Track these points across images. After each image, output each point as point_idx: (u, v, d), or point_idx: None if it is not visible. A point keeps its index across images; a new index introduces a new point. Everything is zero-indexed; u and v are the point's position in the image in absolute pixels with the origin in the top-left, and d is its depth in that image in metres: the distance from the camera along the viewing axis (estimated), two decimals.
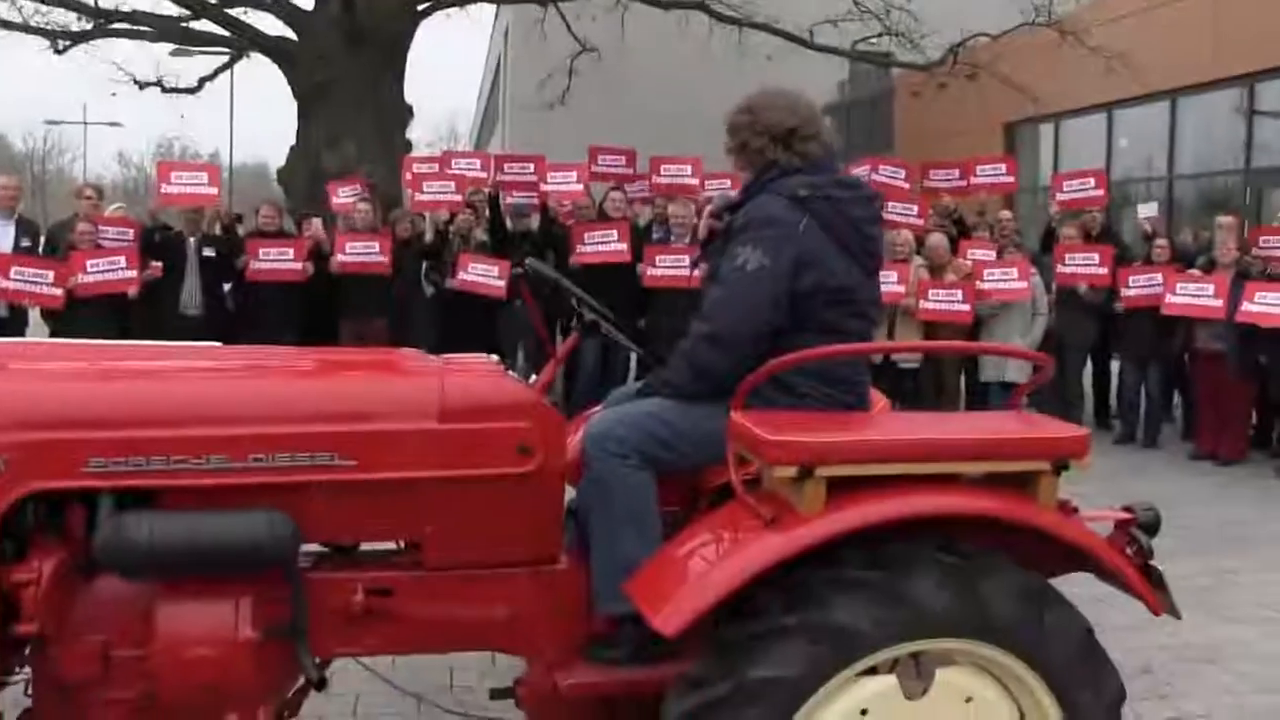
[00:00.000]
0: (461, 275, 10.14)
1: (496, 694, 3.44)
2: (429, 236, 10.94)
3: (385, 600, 3.01)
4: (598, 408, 3.72)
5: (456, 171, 10.75)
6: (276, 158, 14.50)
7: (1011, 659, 2.68)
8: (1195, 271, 9.69)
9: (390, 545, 3.21)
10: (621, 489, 3.12)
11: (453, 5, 14.55)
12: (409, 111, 13.86)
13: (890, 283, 9.59)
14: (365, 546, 3.20)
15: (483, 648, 3.40)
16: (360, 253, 9.91)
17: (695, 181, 10.83)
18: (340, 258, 9.83)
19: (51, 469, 2.72)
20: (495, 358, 3.53)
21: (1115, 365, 10.83)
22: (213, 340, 9.58)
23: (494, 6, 21.87)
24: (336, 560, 3.14)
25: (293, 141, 13.67)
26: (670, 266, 9.77)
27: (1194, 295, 9.40)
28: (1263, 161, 14.47)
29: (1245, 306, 8.99)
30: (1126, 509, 3.04)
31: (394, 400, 3.07)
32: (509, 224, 10.80)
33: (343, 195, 10.31)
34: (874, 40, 14.42)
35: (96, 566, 2.81)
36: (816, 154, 3.29)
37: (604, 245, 9.84)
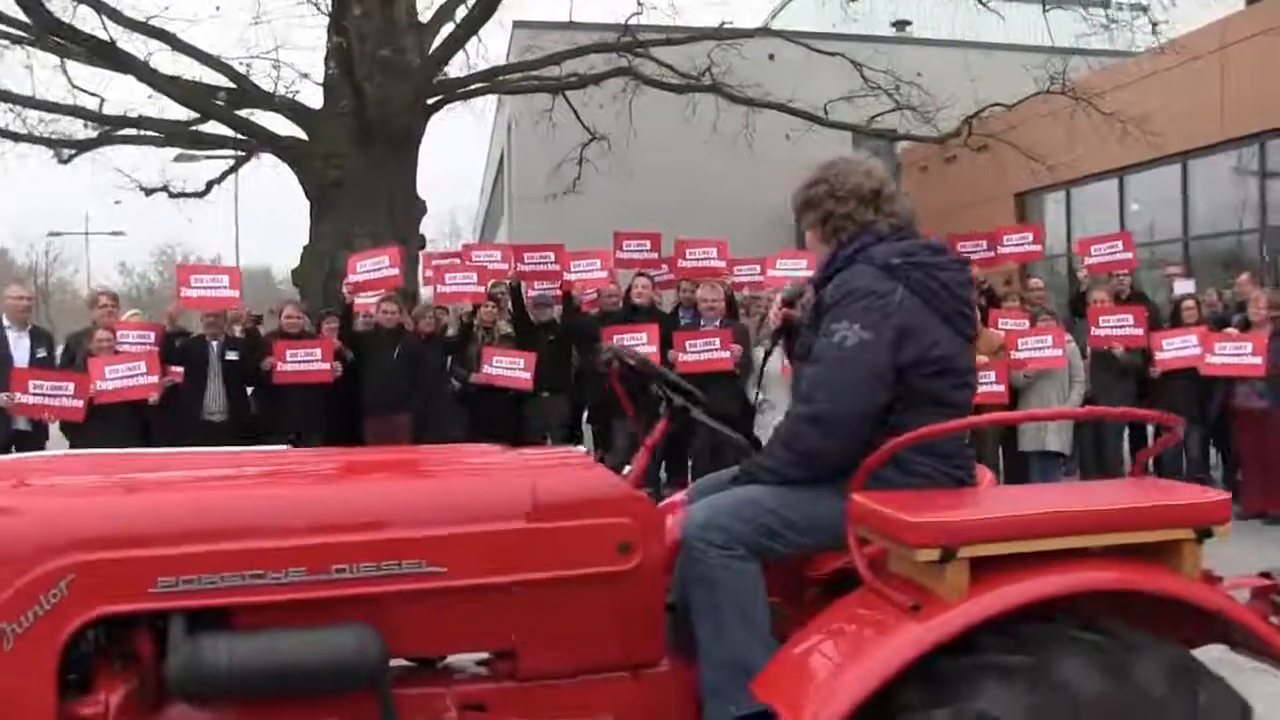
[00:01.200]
0: (486, 369, 9.98)
1: None
2: (451, 330, 10.83)
3: (478, 715, 2.82)
4: (677, 494, 3.56)
5: (477, 263, 10.63)
6: (279, 259, 14.40)
7: None
8: (1232, 330, 9.55)
9: (478, 655, 3.00)
10: (729, 583, 2.93)
11: (460, 99, 14.59)
12: (422, 206, 13.81)
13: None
14: (452, 657, 3.00)
15: None
16: (301, 361, 9.51)
17: (722, 264, 10.71)
18: (281, 367, 9.41)
19: (117, 591, 2.53)
20: (583, 448, 3.32)
21: (1151, 428, 10.63)
22: (236, 444, 9.70)
23: (495, 100, 22.02)
24: (424, 674, 2.93)
25: (304, 241, 13.59)
26: (702, 351, 9.61)
27: (1233, 355, 9.27)
28: (1276, 220, 14.47)
29: None
30: (1264, 574, 2.84)
31: (483, 500, 2.89)
32: (532, 315, 10.67)
33: (362, 271, 10.00)
34: (882, 117, 14.36)
35: (169, 694, 2.60)
36: (904, 214, 3.22)
37: (633, 346, 9.64)
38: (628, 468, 3.28)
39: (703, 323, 10.02)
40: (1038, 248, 11.00)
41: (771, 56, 16.00)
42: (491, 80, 14.67)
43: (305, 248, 13.49)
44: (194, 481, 2.91)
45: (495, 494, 2.91)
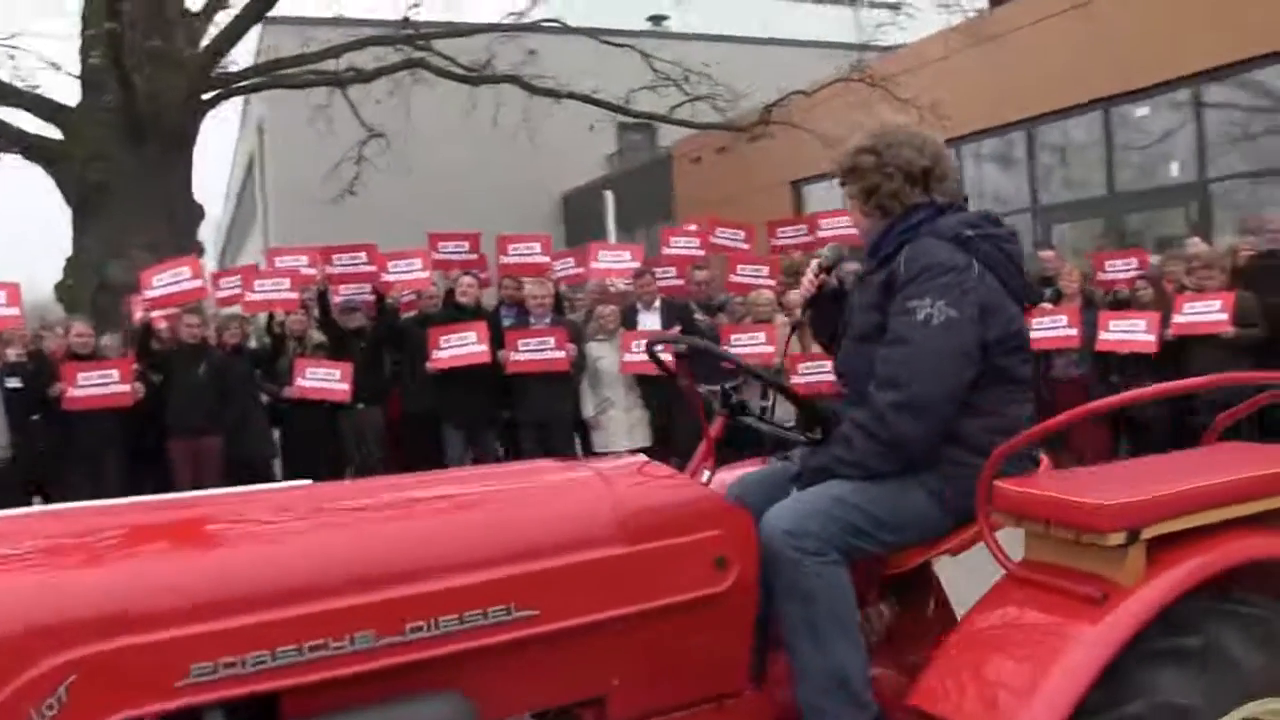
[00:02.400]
0: (300, 382, 9.27)
1: None
2: (253, 342, 10.06)
3: None
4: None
5: (287, 266, 9.86)
6: (29, 275, 12.90)
7: None
8: (1047, 305, 9.88)
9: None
10: (824, 592, 2.68)
11: (241, 93, 13.60)
12: (200, 211, 12.76)
13: (760, 343, 9.41)
14: None
15: None
16: (96, 385, 8.53)
17: (546, 259, 10.34)
18: (72, 392, 8.46)
19: (138, 688, 1.95)
20: (642, 456, 2.93)
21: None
22: (23, 482, 8.65)
23: (240, 100, 20.81)
24: None
25: (68, 252, 12.31)
26: (536, 350, 9.22)
27: (1049, 328, 9.54)
28: (1045, 200, 15.32)
29: (1102, 336, 9.25)
30: None
31: (568, 526, 2.48)
32: (339, 322, 10.00)
33: (160, 285, 9.07)
34: (680, 107, 14.29)
35: None
36: (955, 193, 3.02)
37: (462, 348, 9.15)
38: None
39: (532, 321, 9.62)
40: (854, 231, 11.09)
41: (532, 52, 15.61)
42: (269, 74, 13.71)
43: (69, 259, 12.21)
44: (216, 536, 2.33)
45: (579, 518, 2.51)
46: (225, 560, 2.20)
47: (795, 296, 10.09)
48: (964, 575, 3.18)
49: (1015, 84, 14.56)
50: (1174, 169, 13.94)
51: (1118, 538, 2.33)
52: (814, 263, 3.39)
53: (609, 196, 20.27)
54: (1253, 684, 2.34)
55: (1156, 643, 2.30)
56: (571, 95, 13.92)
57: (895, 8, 16.82)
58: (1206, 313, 8.57)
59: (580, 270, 10.77)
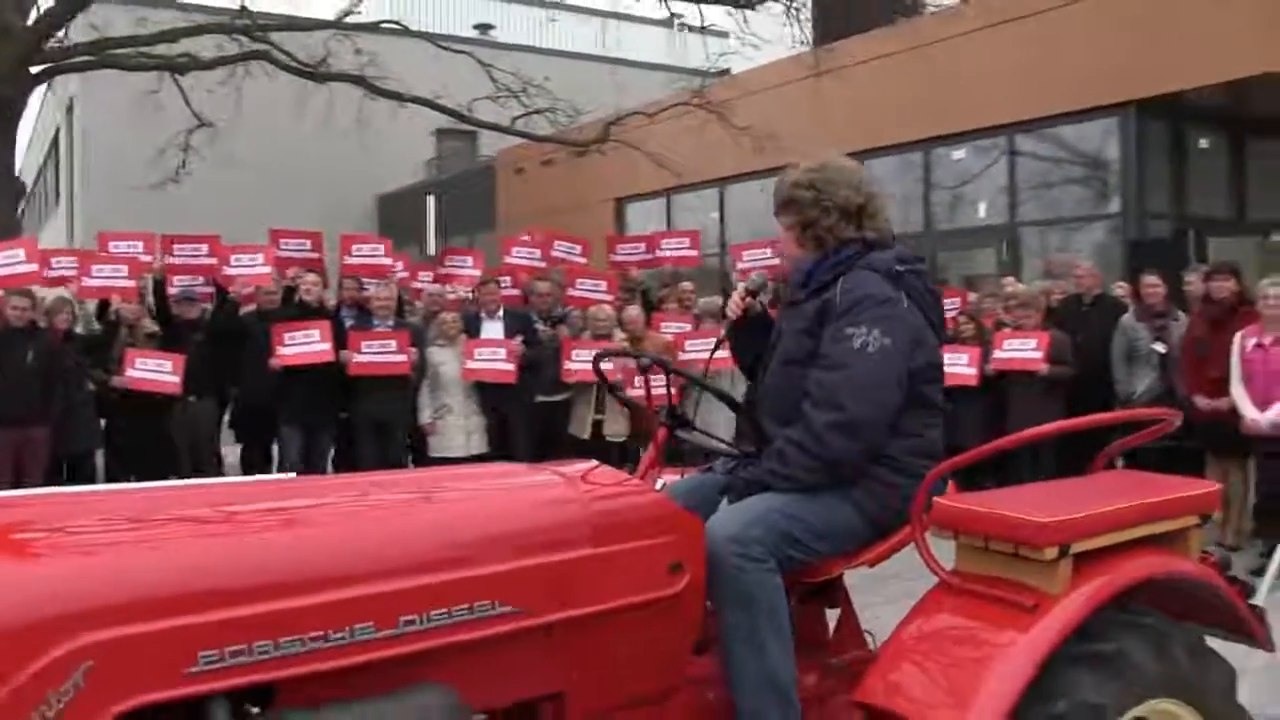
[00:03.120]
0: (130, 372, 9.04)
1: None
2: (79, 328, 9.75)
3: None
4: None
5: (123, 253, 9.61)
6: None
7: (1190, 711, 2.79)
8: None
9: None
10: (764, 598, 2.88)
11: (75, 70, 13.07)
12: (20, 187, 12.23)
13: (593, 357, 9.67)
14: None
15: None
16: None
17: (389, 261, 10.40)
18: None
19: (149, 675, 1.99)
20: (594, 461, 3.12)
21: None
22: None
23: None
24: None
25: None
26: (378, 353, 9.29)
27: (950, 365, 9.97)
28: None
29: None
30: (1205, 553, 3.13)
31: (543, 527, 2.61)
32: (175, 312, 9.82)
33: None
34: (527, 118, 14.44)
35: None
36: (886, 231, 3.27)
37: (307, 345, 9.13)
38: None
39: (375, 323, 9.68)
40: (695, 252, 11.55)
41: (359, 51, 15.48)
42: (99, 53, 13.22)
43: None
44: (219, 525, 2.39)
45: (553, 520, 2.63)
46: (232, 549, 2.26)
47: (633, 311, 10.47)
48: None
49: (847, 117, 15.26)
50: (982, 210, 14.96)
51: (1052, 552, 2.61)
52: (740, 286, 3.59)
53: (431, 202, 20.28)
54: (1150, 686, 2.68)
55: (1076, 648, 2.61)
56: (416, 99, 13.91)
57: (723, 35, 17.40)
58: (1023, 350, 9.19)
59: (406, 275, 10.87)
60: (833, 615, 3.44)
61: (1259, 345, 7.96)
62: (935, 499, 2.84)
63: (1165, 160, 13.59)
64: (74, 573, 2.05)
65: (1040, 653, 2.54)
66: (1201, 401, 8.36)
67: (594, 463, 3.02)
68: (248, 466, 11.23)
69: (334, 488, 2.89)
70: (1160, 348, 9.14)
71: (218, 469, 10.15)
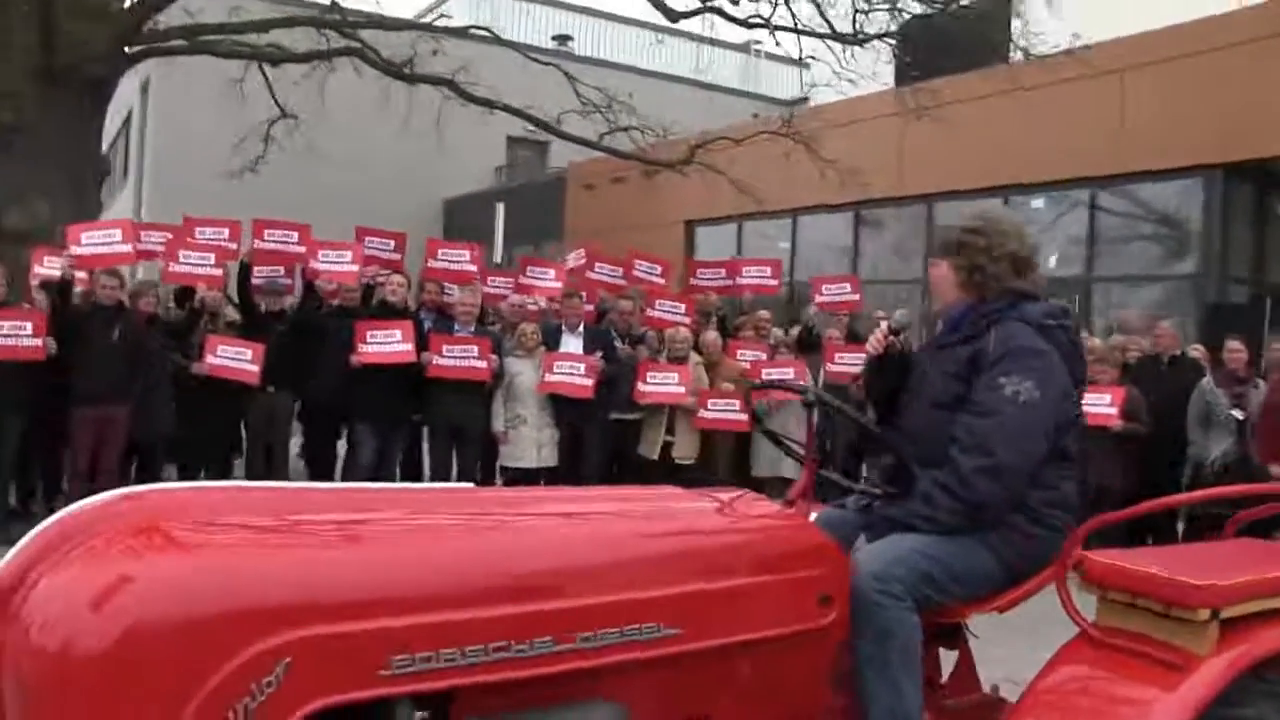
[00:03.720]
0: (210, 359, 9.06)
1: None
2: (161, 311, 9.77)
3: None
4: None
5: (210, 241, 9.61)
6: None
7: None
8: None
9: None
10: (902, 635, 2.92)
11: (169, 54, 13.16)
12: (106, 166, 12.29)
13: (671, 383, 9.63)
14: None
15: None
16: (5, 335, 8.12)
17: (474, 268, 10.37)
18: None
19: (343, 674, 2.01)
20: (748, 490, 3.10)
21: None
22: None
23: None
24: None
25: None
26: (460, 357, 9.26)
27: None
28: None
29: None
30: None
31: (709, 552, 2.67)
32: (259, 302, 9.82)
33: (89, 243, 8.75)
34: (611, 135, 14.40)
35: None
36: (1040, 283, 3.34)
37: (388, 345, 9.12)
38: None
39: (457, 328, 9.65)
40: (775, 282, 11.47)
41: (436, 52, 15.37)
42: (192, 38, 13.31)
43: None
44: (411, 531, 2.39)
45: (719, 545, 2.70)
46: (425, 555, 2.26)
47: (711, 336, 10.40)
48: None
49: (928, 157, 15.21)
50: (1053, 261, 14.83)
51: (1205, 614, 2.61)
52: (884, 324, 3.60)
53: (500, 209, 20.28)
54: None
55: (1218, 712, 2.58)
56: (506, 108, 13.90)
57: (804, 65, 17.33)
58: (1098, 405, 9.04)
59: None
60: (948, 657, 3.47)
61: None
62: (1086, 554, 2.85)
63: (1248, 225, 13.44)
64: (277, 570, 2.06)
65: (1189, 712, 2.52)
66: (1276, 469, 8.35)
67: (748, 491, 3.10)
68: (308, 462, 11.27)
69: (509, 500, 2.92)
70: (1239, 414, 9.14)
71: (284, 462, 10.12)
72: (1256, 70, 12.15)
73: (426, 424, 9.75)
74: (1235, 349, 9.68)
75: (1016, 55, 13.62)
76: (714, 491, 3.06)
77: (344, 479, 9.71)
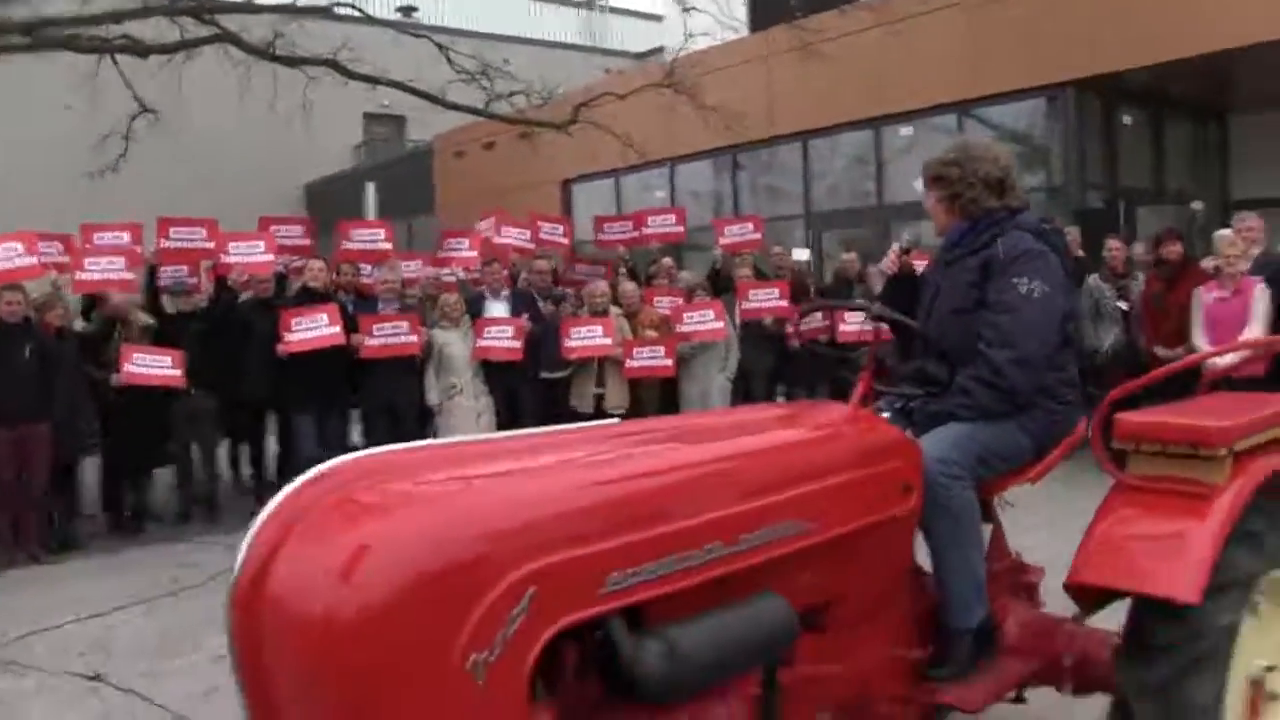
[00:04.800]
0: (128, 368, 8.79)
1: None
2: (79, 323, 9.44)
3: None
4: None
5: (108, 244, 9.30)
6: None
7: None
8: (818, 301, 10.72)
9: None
10: (966, 510, 3.35)
11: (12, 50, 12.42)
12: None
13: (597, 336, 9.76)
14: None
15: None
16: None
17: (389, 246, 10.29)
18: None
19: (575, 597, 2.16)
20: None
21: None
22: None
23: None
24: None
25: None
26: (390, 335, 9.24)
27: (859, 325, 10.25)
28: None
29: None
30: None
31: (822, 454, 2.95)
32: (166, 304, 9.59)
33: None
34: (496, 101, 14.21)
35: (620, 705, 2.31)
36: (1023, 199, 3.72)
37: (314, 330, 9.04)
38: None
39: (381, 306, 9.61)
40: (681, 229, 11.63)
41: (279, 34, 14.90)
42: (32, 33, 12.58)
43: None
44: (585, 465, 2.54)
45: (830, 447, 3.01)
46: (611, 484, 2.42)
47: (629, 287, 10.54)
48: None
49: (798, 95, 15.57)
50: (919, 186, 15.35)
51: (1225, 450, 3.05)
52: (895, 245, 4.04)
53: (370, 188, 20.02)
54: (1274, 556, 3.20)
55: (1241, 526, 3.04)
56: (392, 83, 13.64)
57: (658, 19, 17.45)
58: None
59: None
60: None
61: (1218, 298, 8.71)
62: (1117, 415, 3.27)
63: (1099, 136, 14.21)
64: (506, 509, 2.18)
65: (1226, 525, 2.97)
66: (1161, 351, 9.04)
67: (831, 401, 3.30)
68: (233, 461, 11.08)
69: (640, 432, 3.07)
70: (1124, 305, 9.96)
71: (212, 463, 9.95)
72: None
73: (361, 405, 9.70)
74: (1116, 247, 10.43)
75: None
76: (810, 404, 3.30)
77: (285, 475, 9.62)
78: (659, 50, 18.69)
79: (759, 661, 2.57)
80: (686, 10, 13.69)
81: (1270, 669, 3.34)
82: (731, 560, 2.48)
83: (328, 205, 23.02)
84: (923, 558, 3.41)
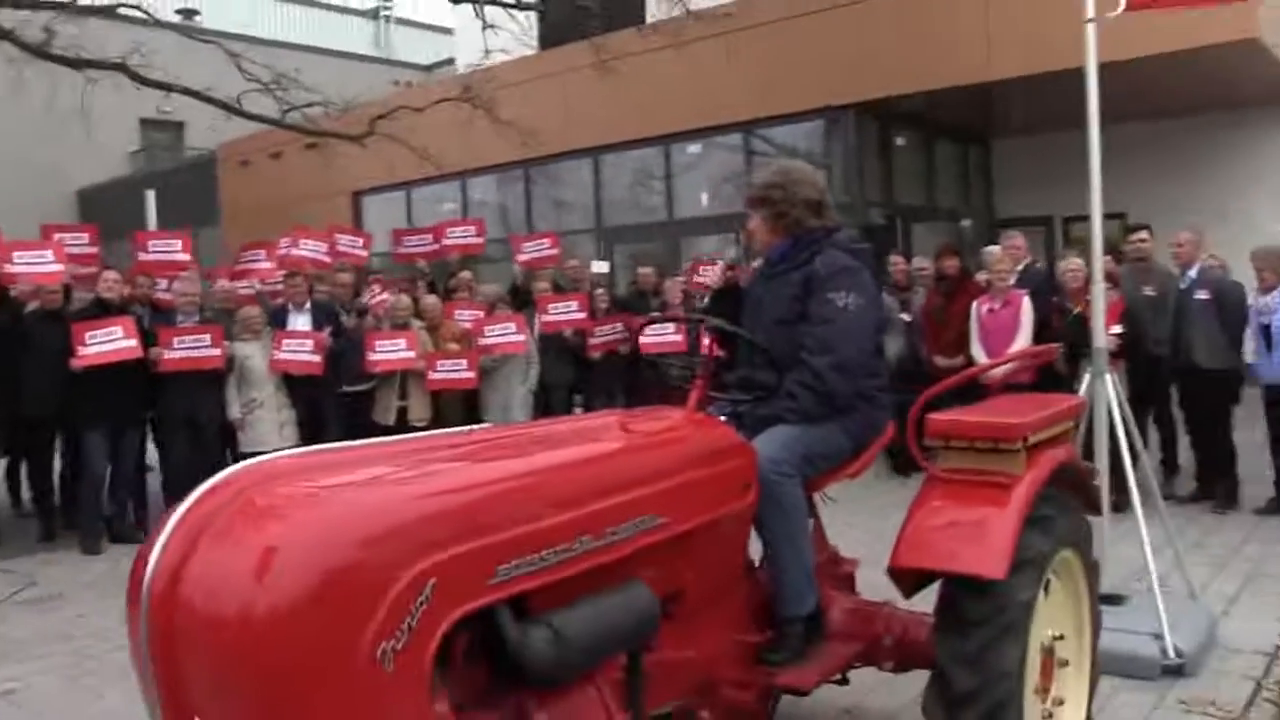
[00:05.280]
0: None
1: None
2: None
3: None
4: None
5: None
6: None
7: (1075, 556, 3.89)
8: (657, 314, 11.11)
9: None
10: (796, 506, 3.70)
11: None
12: None
13: (400, 349, 9.89)
14: None
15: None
16: None
17: (188, 257, 10.12)
18: None
19: (468, 587, 2.35)
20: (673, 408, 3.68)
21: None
22: None
23: None
24: None
25: None
26: (191, 348, 9.14)
27: (660, 335, 10.65)
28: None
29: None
30: None
31: (676, 453, 3.24)
32: None
33: None
34: (290, 111, 13.96)
35: (508, 688, 2.55)
36: (836, 219, 4.13)
37: (110, 344, 8.82)
38: None
39: (181, 318, 9.48)
40: (480, 240, 11.79)
41: (47, 28, 14.38)
42: None
43: None
44: (485, 463, 2.80)
45: (682, 448, 3.28)
46: (499, 482, 2.63)
47: (431, 300, 10.68)
48: None
49: (593, 112, 16.00)
50: (705, 200, 16.13)
51: (1020, 444, 3.49)
52: (720, 262, 4.49)
53: (150, 196, 19.32)
54: (1063, 539, 3.65)
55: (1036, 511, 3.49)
56: (186, 91, 13.28)
57: (448, 32, 17.57)
58: None
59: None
60: None
61: (990, 310, 9.47)
62: (928, 415, 3.66)
63: (877, 156, 15.15)
64: (411, 508, 2.34)
65: (1023, 510, 3.41)
66: (941, 360, 9.80)
67: (679, 409, 3.65)
68: (12, 479, 10.65)
69: (517, 436, 3.25)
70: (906, 317, 10.62)
71: None
72: (865, 25, 13.80)
73: (159, 419, 9.54)
74: (898, 262, 11.18)
75: (653, 16, 14.49)
76: (660, 410, 3.65)
77: (72, 494, 9.39)
78: (449, 62, 18.76)
79: (629, 645, 2.83)
80: (488, 28, 13.84)
81: (1059, 638, 3.82)
82: (600, 552, 2.71)
83: (103, 212, 22.07)
84: (754, 552, 3.74)
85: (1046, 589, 3.65)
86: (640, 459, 3.11)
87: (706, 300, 4.61)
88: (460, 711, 2.39)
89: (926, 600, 3.61)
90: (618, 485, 2.86)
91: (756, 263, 4.54)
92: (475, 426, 3.60)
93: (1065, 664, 3.87)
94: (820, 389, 3.75)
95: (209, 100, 13.29)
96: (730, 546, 3.47)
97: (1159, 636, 5.18)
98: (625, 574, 2.83)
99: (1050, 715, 3.75)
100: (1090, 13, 5.67)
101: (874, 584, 4.12)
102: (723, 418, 3.86)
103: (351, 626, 2.10)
